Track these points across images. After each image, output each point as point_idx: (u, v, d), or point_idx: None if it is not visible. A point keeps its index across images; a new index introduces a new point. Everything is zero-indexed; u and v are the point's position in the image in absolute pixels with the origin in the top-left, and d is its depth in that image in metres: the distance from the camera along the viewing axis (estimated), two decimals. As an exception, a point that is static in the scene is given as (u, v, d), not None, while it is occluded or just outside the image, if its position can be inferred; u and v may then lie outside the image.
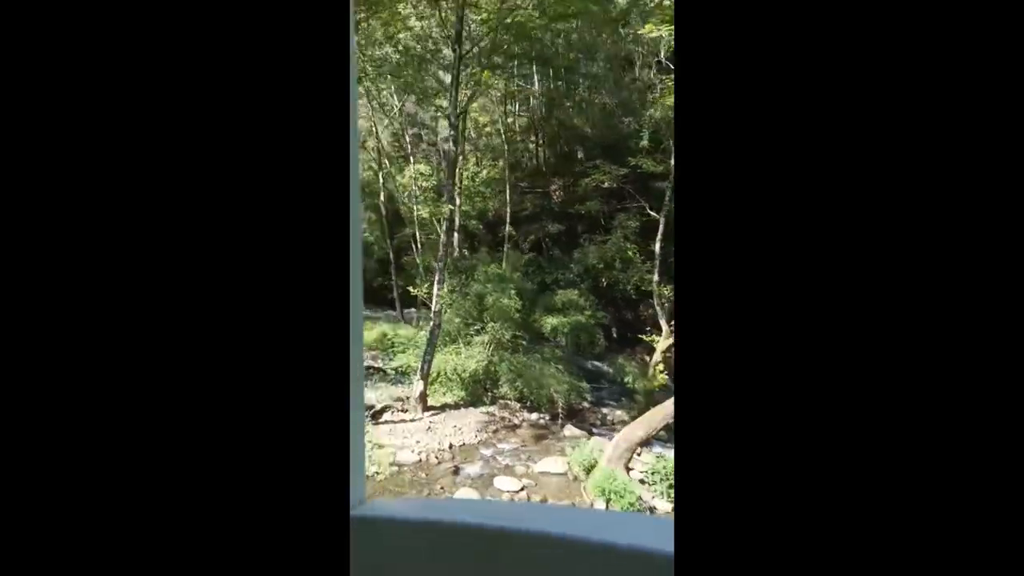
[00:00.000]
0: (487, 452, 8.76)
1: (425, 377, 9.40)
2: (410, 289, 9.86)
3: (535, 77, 16.44)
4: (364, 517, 0.80)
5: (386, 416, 9.49)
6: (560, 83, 16.60)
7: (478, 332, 10.82)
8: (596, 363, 12.39)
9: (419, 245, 13.71)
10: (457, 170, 14.39)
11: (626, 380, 11.09)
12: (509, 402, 10.38)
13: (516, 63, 14.69)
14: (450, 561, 0.78)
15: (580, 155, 16.39)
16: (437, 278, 9.40)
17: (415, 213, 15.95)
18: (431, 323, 9.43)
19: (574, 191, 15.72)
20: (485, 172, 15.78)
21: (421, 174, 19.62)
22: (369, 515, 0.81)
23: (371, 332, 12.23)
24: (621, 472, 7.37)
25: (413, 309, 14.82)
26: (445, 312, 12.14)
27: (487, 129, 17.62)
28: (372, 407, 9.57)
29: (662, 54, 15.20)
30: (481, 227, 15.06)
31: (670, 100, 14.35)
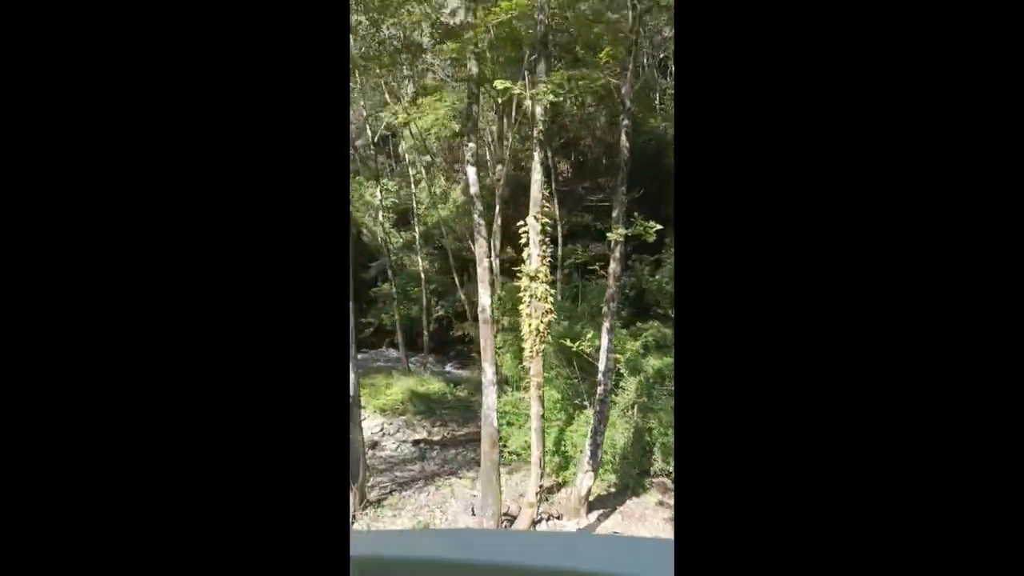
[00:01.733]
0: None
1: (595, 467, 6.54)
2: (570, 344, 6.39)
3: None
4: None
5: (543, 530, 6.45)
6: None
7: (612, 391, 8.10)
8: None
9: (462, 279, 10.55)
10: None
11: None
12: (665, 479, 7.81)
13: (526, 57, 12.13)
14: None
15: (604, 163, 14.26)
16: (607, 325, 6.57)
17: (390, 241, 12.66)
18: (598, 387, 6.59)
19: (607, 204, 13.54)
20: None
21: (387, 190, 16.32)
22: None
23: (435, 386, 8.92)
24: None
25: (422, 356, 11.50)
26: (523, 370, 9.24)
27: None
28: (513, 518, 6.48)
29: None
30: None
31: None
